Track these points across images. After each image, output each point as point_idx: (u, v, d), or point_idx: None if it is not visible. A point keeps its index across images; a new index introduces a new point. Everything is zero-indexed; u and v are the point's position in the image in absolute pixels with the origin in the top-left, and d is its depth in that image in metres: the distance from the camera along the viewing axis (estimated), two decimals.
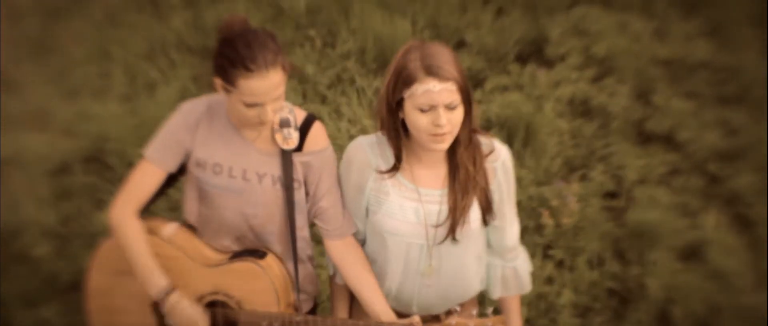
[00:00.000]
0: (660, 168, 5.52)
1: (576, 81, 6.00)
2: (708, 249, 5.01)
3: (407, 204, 3.02)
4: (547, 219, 4.99)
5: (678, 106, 5.83)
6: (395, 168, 3.00)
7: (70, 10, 7.02)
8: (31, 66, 6.49)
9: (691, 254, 5.02)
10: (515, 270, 3.25)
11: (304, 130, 3.12)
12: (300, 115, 3.14)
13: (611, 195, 5.38)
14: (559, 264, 4.95)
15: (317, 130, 3.14)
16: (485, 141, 3.03)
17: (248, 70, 2.82)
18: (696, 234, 5.11)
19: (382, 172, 3.01)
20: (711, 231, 5.11)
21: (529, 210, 5.11)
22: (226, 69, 2.86)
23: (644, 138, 5.78)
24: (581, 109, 5.93)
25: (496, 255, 3.22)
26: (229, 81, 2.87)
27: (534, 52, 6.37)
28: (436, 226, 3.01)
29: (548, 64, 6.24)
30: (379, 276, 3.13)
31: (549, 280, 4.84)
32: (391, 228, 3.03)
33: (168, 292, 3.05)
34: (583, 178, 5.42)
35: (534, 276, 4.62)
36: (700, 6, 6.72)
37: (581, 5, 6.56)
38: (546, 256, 4.96)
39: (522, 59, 6.38)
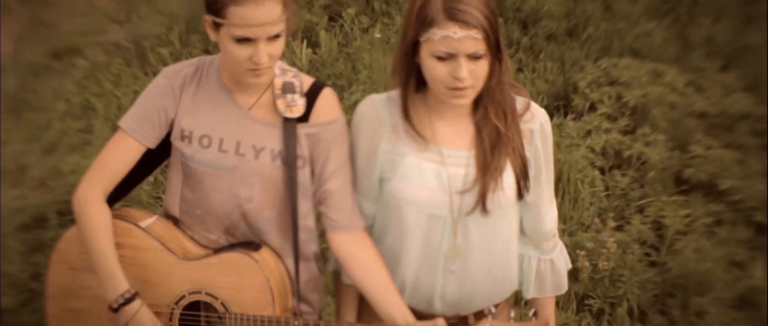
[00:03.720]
0: (703, 218, 5.06)
1: (608, 131, 5.56)
2: (760, 298, 4.53)
3: (427, 166, 2.48)
4: (583, 262, 4.42)
5: (720, 155, 5.40)
6: (408, 123, 2.50)
7: (51, 67, 6.81)
8: (10, 122, 6.21)
9: (743, 303, 4.55)
10: (552, 263, 2.72)
11: (311, 96, 2.59)
12: (306, 81, 2.62)
13: (651, 247, 4.89)
14: (598, 315, 4.42)
15: (327, 97, 2.61)
16: (519, 98, 2.53)
17: None
18: (745, 284, 4.63)
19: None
20: (759, 281, 4.64)
21: None
22: None
23: (685, 188, 5.33)
24: (615, 159, 5.48)
25: (530, 245, 2.70)
26: (218, 11, 2.37)
27: (562, 106, 5.96)
28: (463, 192, 2.46)
29: (577, 114, 5.83)
30: (392, 263, 2.57)
31: None
32: (408, 196, 2.49)
33: (127, 299, 2.50)
34: (619, 229, 4.93)
35: None
36: (736, 59, 6.39)
37: (611, 56, 6.16)
38: (582, 307, 4.44)
39: (549, 111, 5.93)
